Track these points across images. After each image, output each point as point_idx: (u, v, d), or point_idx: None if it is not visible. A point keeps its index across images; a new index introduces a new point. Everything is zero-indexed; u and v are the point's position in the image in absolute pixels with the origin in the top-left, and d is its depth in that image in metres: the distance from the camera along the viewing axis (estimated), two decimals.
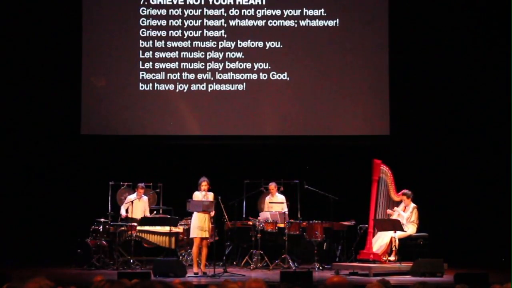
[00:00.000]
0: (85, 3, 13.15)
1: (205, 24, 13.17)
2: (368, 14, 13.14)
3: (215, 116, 13.23)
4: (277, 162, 13.07)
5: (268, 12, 13.17)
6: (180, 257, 11.35)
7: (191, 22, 13.18)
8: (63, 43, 13.07)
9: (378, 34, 13.08)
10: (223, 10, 13.18)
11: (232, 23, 13.17)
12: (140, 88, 13.14)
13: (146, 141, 13.27)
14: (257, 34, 13.15)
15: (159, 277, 9.68)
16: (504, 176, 12.44)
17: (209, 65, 13.14)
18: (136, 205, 11.56)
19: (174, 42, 13.15)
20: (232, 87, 13.13)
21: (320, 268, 11.12)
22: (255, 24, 13.18)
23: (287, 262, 11.20)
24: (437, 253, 10.68)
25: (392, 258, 10.63)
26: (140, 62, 13.16)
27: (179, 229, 11.44)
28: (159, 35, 13.16)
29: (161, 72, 13.14)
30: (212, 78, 13.13)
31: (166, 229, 11.16)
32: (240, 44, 13.16)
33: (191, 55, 13.15)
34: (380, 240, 10.85)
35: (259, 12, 13.17)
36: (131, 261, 11.07)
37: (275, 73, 13.14)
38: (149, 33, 13.16)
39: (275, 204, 11.78)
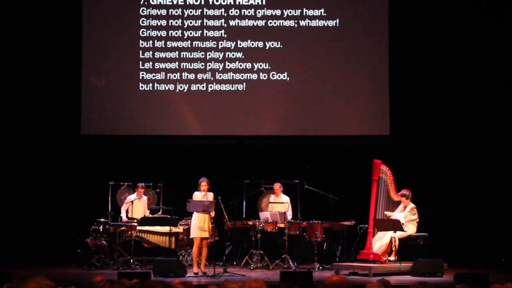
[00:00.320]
0: (85, 3, 13.15)
1: (205, 24, 13.18)
2: (368, 14, 13.14)
3: (215, 116, 13.22)
4: (277, 162, 13.06)
5: (268, 12, 13.17)
6: (180, 257, 11.35)
7: (191, 22, 13.18)
8: (63, 43, 13.07)
9: (378, 34, 13.08)
10: (223, 10, 13.18)
11: (232, 23, 13.18)
12: (140, 88, 13.14)
13: (146, 141, 13.27)
14: (257, 34, 13.15)
15: (159, 277, 9.68)
16: (504, 176, 12.44)
17: (209, 65, 13.14)
18: (136, 205, 11.56)
19: (174, 42, 13.15)
20: (232, 87, 13.13)
21: (320, 268, 11.12)
22: (255, 24, 13.18)
23: (287, 262, 11.19)
24: (437, 253, 10.69)
25: (392, 258, 10.63)
26: (140, 62, 13.16)
27: (179, 229, 11.44)
28: (159, 35, 13.16)
29: (161, 72, 13.14)
30: (212, 78, 13.14)
31: (166, 229, 11.16)
32: (240, 44, 13.16)
33: (191, 55, 13.15)
34: (380, 240, 10.85)
35: (259, 12, 13.17)
36: (131, 261, 11.07)
37: (275, 73, 13.14)
38: (149, 33, 13.17)
39: (276, 204, 11.75)
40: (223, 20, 13.17)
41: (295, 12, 13.14)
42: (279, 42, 13.15)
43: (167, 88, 13.14)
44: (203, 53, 13.15)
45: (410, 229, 10.91)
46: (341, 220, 11.70)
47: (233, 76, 13.14)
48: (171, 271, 9.94)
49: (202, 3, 13.20)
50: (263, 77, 13.13)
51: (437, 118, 13.19)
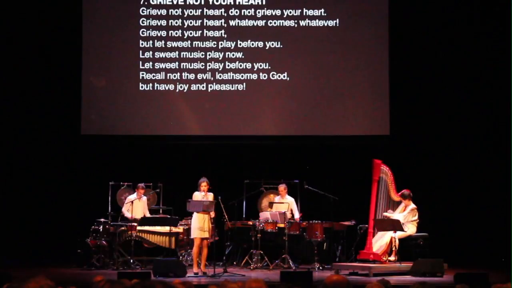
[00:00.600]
0: (85, 3, 13.15)
1: (205, 24, 13.18)
2: (368, 14, 13.14)
3: (215, 116, 13.22)
4: (277, 162, 13.07)
5: (268, 12, 13.17)
6: (180, 257, 11.35)
7: (191, 22, 13.18)
8: (63, 43, 13.07)
9: (378, 34, 13.07)
10: (223, 10, 13.18)
11: (232, 23, 13.17)
12: (140, 88, 13.15)
13: (146, 141, 13.27)
14: (257, 34, 13.15)
15: (159, 277, 9.68)
16: (504, 176, 12.44)
17: (209, 65, 13.14)
18: (136, 205, 11.55)
19: (174, 42, 13.15)
20: (232, 87, 13.13)
21: (320, 268, 11.12)
22: (255, 24, 13.18)
23: (287, 262, 11.19)
24: (437, 253, 10.68)
25: (392, 258, 10.63)
26: (140, 62, 13.16)
27: (179, 229, 11.44)
28: (159, 35, 13.16)
29: (161, 72, 13.14)
30: (212, 78, 13.13)
31: (166, 229, 11.17)
32: (240, 44, 13.16)
33: (191, 55, 13.15)
34: (380, 240, 10.85)
35: (259, 12, 13.17)
36: (131, 261, 11.07)
37: (275, 73, 13.14)
38: (149, 33, 13.17)
39: (281, 205, 11.71)
40: (223, 20, 13.17)
41: (295, 12, 13.14)
42: (279, 42, 13.15)
43: (167, 88, 13.14)
44: (203, 53, 13.15)
45: (410, 229, 10.91)
46: (341, 220, 11.70)
47: (233, 76, 13.14)
48: (171, 271, 9.94)
49: (202, 3, 13.20)
50: (263, 77, 13.13)
51: (437, 118, 13.20)
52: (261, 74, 13.13)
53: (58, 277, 8.35)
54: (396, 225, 10.56)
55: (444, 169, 13.05)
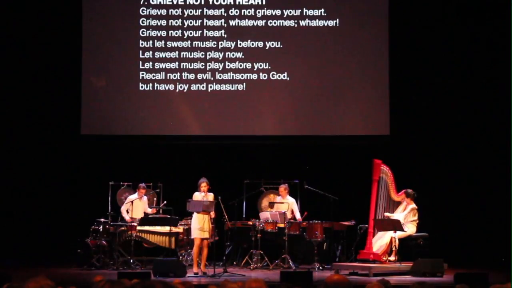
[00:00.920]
0: (85, 3, 13.14)
1: (205, 24, 13.17)
2: (368, 14, 13.13)
3: (215, 116, 13.22)
4: (277, 162, 13.06)
5: (268, 12, 13.17)
6: (180, 257, 11.35)
7: (191, 22, 13.18)
8: (63, 43, 13.07)
9: (378, 34, 13.07)
10: (223, 10, 13.18)
11: (232, 23, 13.17)
12: (140, 88, 13.14)
13: (146, 141, 13.26)
14: (257, 34, 13.15)
15: (159, 277, 9.68)
16: (504, 176, 12.43)
17: (209, 65, 13.14)
18: (137, 205, 11.55)
19: (174, 42, 13.15)
20: (232, 87, 13.13)
21: (320, 268, 11.12)
22: (255, 24, 13.18)
23: (287, 262, 11.19)
24: (437, 253, 10.68)
25: (392, 258, 10.63)
26: (140, 62, 13.15)
27: (179, 229, 11.44)
28: (159, 35, 13.16)
29: (161, 72, 13.14)
30: (212, 78, 13.13)
31: (166, 229, 11.17)
32: (240, 44, 13.16)
33: (191, 55, 13.15)
34: (380, 240, 10.85)
35: (259, 12, 13.17)
36: (131, 261, 11.07)
37: (275, 73, 13.14)
38: (149, 33, 13.16)
39: (281, 205, 11.71)
40: (223, 20, 13.17)
41: (295, 12, 13.14)
42: (279, 42, 13.14)
43: (167, 88, 13.14)
44: (203, 53, 13.15)
45: (410, 229, 10.91)
46: (341, 220, 11.70)
47: (233, 76, 13.14)
48: (171, 271, 9.94)
49: (202, 3, 13.20)
50: (263, 77, 13.13)
51: (437, 118, 13.19)
52: (261, 74, 13.13)
53: (58, 277, 8.34)
54: (396, 225, 10.56)
55: (444, 169, 13.05)
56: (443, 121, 13.18)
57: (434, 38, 13.16)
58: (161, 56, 13.14)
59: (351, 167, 12.64)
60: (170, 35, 13.16)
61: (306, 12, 13.15)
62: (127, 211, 11.59)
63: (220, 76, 13.14)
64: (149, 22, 13.17)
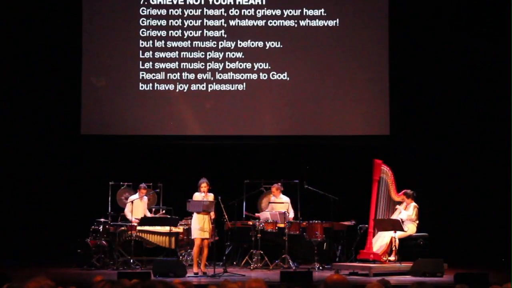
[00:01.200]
0: (85, 3, 13.15)
1: (205, 24, 13.18)
2: (368, 14, 13.13)
3: (215, 116, 13.22)
4: (277, 162, 13.06)
5: (268, 12, 13.17)
6: (180, 257, 11.35)
7: (191, 22, 13.18)
8: (63, 43, 13.07)
9: (378, 34, 13.08)
10: (223, 10, 13.18)
11: (232, 23, 13.17)
12: (140, 88, 13.15)
13: (146, 141, 13.27)
14: (257, 34, 13.15)
15: (159, 277, 9.67)
16: (504, 176, 12.44)
17: (209, 65, 13.14)
18: (137, 205, 11.56)
19: (174, 42, 13.15)
20: (232, 87, 13.14)
21: (320, 268, 11.12)
22: (255, 24, 13.18)
23: (287, 262, 11.19)
24: (437, 253, 10.68)
25: (392, 258, 10.63)
26: (140, 62, 13.16)
27: (179, 229, 11.44)
28: (159, 35, 13.16)
29: (161, 72, 13.14)
30: (212, 78, 13.14)
31: (166, 229, 11.17)
32: (240, 44, 13.16)
33: (191, 55, 13.15)
34: (380, 240, 10.84)
35: (259, 12, 13.17)
36: (131, 261, 11.07)
37: (275, 73, 13.14)
38: (149, 33, 13.17)
39: (277, 204, 11.75)
40: (223, 20, 13.17)
41: (295, 12, 13.14)
42: (279, 42, 13.15)
43: (167, 88, 13.14)
44: (203, 53, 13.15)
45: (410, 229, 10.91)
46: (341, 220, 11.70)
47: (233, 76, 13.14)
48: (171, 271, 9.93)
49: (202, 3, 13.20)
50: (263, 77, 13.13)
51: (437, 118, 13.19)
52: (261, 74, 13.13)
53: (58, 277, 8.34)
54: (396, 225, 10.56)
55: (444, 169, 13.05)
56: (443, 121, 13.18)
57: (434, 38, 13.16)
58: (161, 56, 13.14)
59: (351, 167, 12.64)
60: (170, 35, 13.16)
61: (306, 12, 13.15)
62: (130, 212, 11.59)
63: (220, 76, 13.14)
64: (149, 22, 13.17)
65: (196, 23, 13.18)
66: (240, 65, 13.14)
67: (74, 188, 12.93)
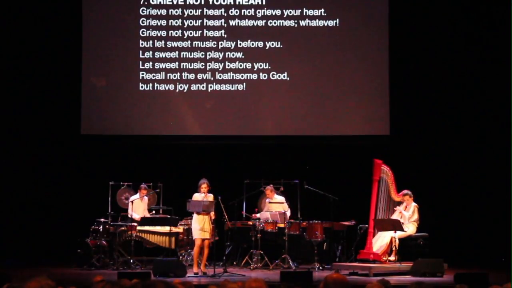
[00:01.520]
0: (85, 3, 13.15)
1: (205, 24, 13.18)
2: (368, 14, 13.14)
3: (215, 116, 13.23)
4: (277, 162, 13.06)
5: (268, 12, 13.17)
6: (180, 257, 11.35)
7: (191, 22, 13.18)
8: (63, 43, 13.07)
9: (378, 34, 13.08)
10: (223, 10, 13.18)
11: (232, 23, 13.17)
12: (140, 88, 13.15)
13: (146, 141, 13.27)
14: (257, 34, 13.15)
15: (159, 277, 9.68)
16: (504, 176, 12.44)
17: (209, 65, 13.14)
18: (138, 205, 11.56)
19: (174, 42, 13.15)
20: (232, 87, 13.14)
21: (320, 268, 11.12)
22: (255, 24, 13.18)
23: (287, 262, 11.19)
24: (437, 253, 10.68)
25: (392, 258, 10.63)
26: (140, 62, 13.16)
27: (179, 229, 11.44)
28: (159, 35, 13.16)
29: (161, 72, 13.14)
30: (212, 78, 13.14)
31: (166, 229, 11.17)
32: (240, 44, 13.16)
33: (191, 55, 13.15)
34: (380, 240, 10.84)
35: (259, 12, 13.17)
36: (131, 261, 11.07)
37: (275, 73, 13.14)
38: (149, 33, 13.16)
39: (275, 204, 11.76)
40: (223, 20, 13.17)
41: (295, 12, 13.14)
42: (279, 42, 13.15)
43: (167, 88, 13.14)
44: (203, 53, 13.15)
45: (410, 229, 10.91)
46: (341, 220, 11.70)
47: (233, 76, 13.15)
48: (171, 271, 9.94)
49: (202, 3, 13.20)
50: (263, 77, 13.13)
51: (437, 118, 13.20)
52: (261, 74, 13.13)
53: (58, 277, 8.34)
54: (396, 225, 10.56)
55: (444, 169, 13.05)
56: (443, 121, 13.18)
57: (434, 38, 13.16)
58: (161, 56, 13.14)
59: (351, 167, 12.64)
60: (170, 35, 13.16)
61: (306, 12, 13.15)
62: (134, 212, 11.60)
63: (220, 76, 13.14)
64: (149, 22, 13.17)
65: (196, 23, 13.18)
66: (240, 65, 13.14)
67: (74, 188, 12.93)
